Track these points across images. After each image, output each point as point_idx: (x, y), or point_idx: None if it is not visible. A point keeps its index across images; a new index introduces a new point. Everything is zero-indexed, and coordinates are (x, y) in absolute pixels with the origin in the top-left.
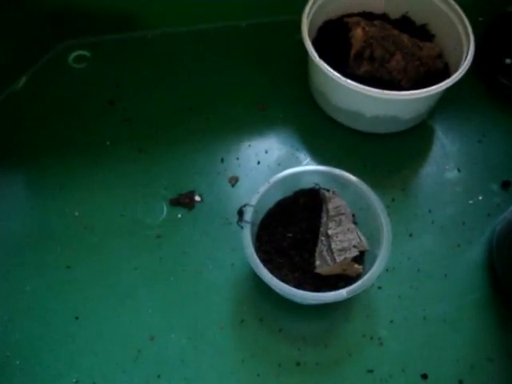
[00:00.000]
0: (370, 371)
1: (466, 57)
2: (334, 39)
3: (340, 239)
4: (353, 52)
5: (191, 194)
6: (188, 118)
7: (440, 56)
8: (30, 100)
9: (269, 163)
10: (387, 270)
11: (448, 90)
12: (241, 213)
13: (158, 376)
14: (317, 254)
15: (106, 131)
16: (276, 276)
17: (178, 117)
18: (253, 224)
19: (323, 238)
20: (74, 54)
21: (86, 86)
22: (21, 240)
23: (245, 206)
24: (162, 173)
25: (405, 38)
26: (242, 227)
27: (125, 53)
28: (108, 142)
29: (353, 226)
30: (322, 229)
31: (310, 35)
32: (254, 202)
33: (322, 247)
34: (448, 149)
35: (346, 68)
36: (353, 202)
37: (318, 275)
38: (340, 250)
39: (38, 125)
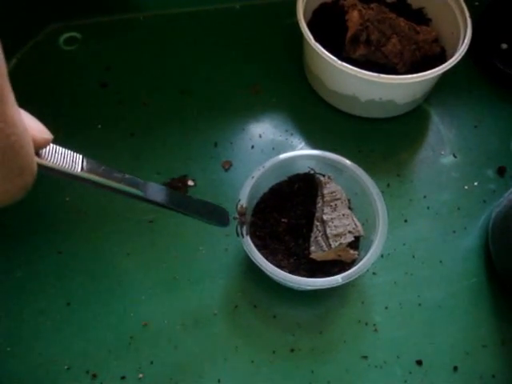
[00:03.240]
0: (365, 357)
1: (463, 41)
2: (330, 22)
3: (335, 225)
4: (349, 35)
5: (184, 178)
6: (180, 101)
7: (436, 40)
8: (19, 82)
9: (263, 147)
10: (382, 255)
11: (444, 75)
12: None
13: (151, 362)
14: (312, 240)
15: (97, 114)
16: (271, 262)
17: (171, 100)
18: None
19: (318, 224)
20: (65, 35)
21: (77, 68)
22: (11, 226)
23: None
24: (154, 157)
25: (401, 21)
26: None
27: (116, 35)
28: (99, 126)
29: (348, 211)
30: (317, 214)
31: (305, 18)
32: (247, 189)
33: (317, 233)
34: (444, 134)
35: (341, 51)
36: (348, 187)
37: (313, 261)
38: (335, 236)
39: (27, 108)
